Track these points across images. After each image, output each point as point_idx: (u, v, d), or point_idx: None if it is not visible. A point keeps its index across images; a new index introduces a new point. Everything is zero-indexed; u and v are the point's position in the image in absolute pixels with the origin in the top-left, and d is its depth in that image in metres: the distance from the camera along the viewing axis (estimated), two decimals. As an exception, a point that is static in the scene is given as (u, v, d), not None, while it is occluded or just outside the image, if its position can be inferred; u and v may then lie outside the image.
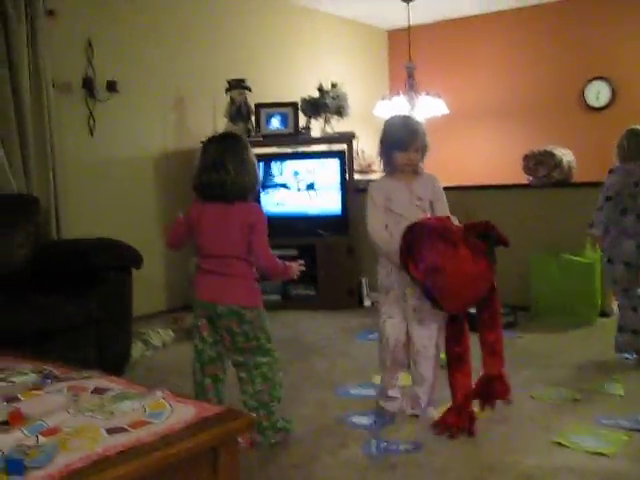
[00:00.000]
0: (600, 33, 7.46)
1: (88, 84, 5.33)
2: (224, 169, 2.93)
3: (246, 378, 3.03)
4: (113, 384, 2.31)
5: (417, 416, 3.30)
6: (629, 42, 7.33)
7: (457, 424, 3.09)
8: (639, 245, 4.04)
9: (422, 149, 3.31)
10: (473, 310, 3.20)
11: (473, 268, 3.00)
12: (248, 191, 3.00)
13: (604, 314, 5.26)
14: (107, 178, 5.57)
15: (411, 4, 7.23)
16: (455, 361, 3.17)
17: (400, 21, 7.61)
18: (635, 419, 3.16)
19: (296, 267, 3.15)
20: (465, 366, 3.17)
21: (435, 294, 3.04)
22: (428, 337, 3.29)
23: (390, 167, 3.36)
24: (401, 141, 3.25)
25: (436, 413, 3.25)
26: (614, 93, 7.43)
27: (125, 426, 1.89)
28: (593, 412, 3.31)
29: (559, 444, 2.94)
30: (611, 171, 4.33)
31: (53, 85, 4.96)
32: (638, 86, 7.30)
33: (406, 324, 3.31)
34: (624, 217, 4.10)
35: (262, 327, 3.06)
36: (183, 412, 2.01)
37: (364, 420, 3.29)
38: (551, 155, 5.52)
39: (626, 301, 4.15)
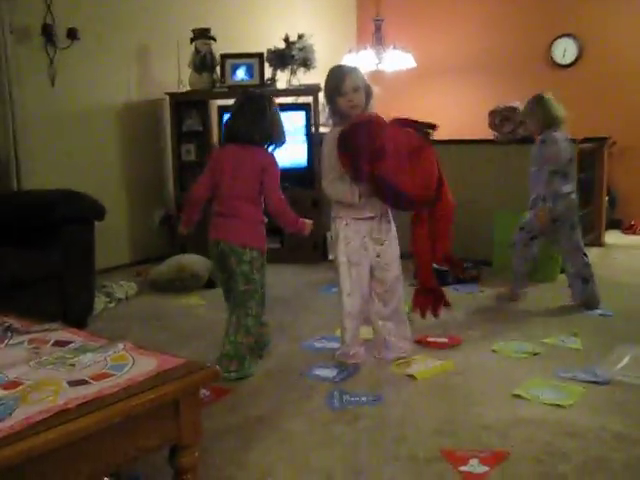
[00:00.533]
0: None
1: (47, 31, 5.16)
2: (243, 116, 3.32)
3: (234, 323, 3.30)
4: (74, 337, 2.30)
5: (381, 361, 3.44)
6: (595, 1, 7.32)
7: (424, 304, 3.33)
8: None
9: (363, 90, 3.37)
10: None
11: (410, 140, 3.25)
12: (263, 139, 3.34)
13: (565, 271, 5.33)
14: (69, 129, 5.46)
15: (380, -45, 7.14)
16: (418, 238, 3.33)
17: (368, -28, 7.51)
18: (592, 372, 3.23)
19: (309, 224, 3.43)
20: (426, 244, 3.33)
21: (389, 180, 3.14)
22: (395, 277, 3.45)
23: (336, 117, 3.40)
24: (337, 85, 3.32)
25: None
26: (580, 50, 7.45)
27: (87, 378, 1.88)
28: (552, 365, 3.37)
29: (519, 396, 2.99)
30: (544, 141, 4.33)
31: (11, 31, 4.80)
32: (604, 44, 7.32)
33: (368, 272, 3.39)
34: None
35: (259, 270, 3.31)
36: (145, 364, 2.00)
37: (327, 372, 3.31)
38: (516, 111, 5.52)
39: None
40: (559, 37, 7.52)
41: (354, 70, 3.42)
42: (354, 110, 3.32)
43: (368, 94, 3.38)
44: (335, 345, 3.66)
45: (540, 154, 4.36)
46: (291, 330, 4.02)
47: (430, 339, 3.79)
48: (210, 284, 5.14)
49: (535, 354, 3.55)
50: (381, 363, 3.44)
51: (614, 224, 7.15)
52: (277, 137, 3.41)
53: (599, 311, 4.31)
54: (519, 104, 5.62)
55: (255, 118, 3.31)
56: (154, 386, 1.85)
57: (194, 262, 5.19)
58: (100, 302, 4.51)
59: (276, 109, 3.42)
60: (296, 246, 5.87)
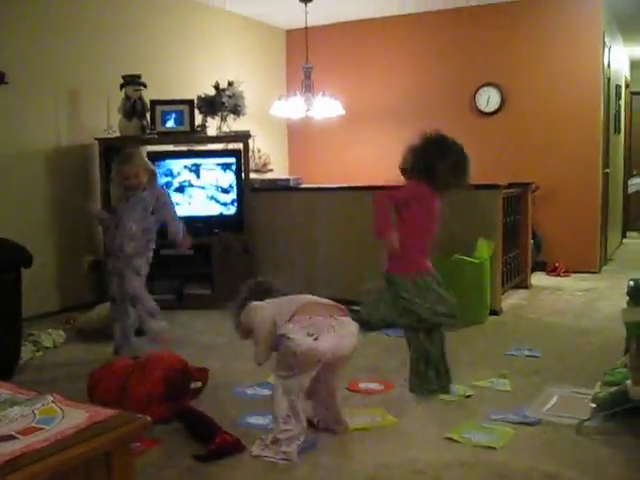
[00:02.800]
0: (491, 41, 7.73)
1: (-25, 75, 5.10)
2: None
3: None
4: (0, 389, 2.22)
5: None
6: (517, 52, 7.63)
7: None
8: None
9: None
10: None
11: None
12: None
13: (493, 312, 5.44)
14: (-6, 174, 5.36)
15: (309, 5, 7.28)
16: None
17: (299, 21, 7.65)
18: (522, 413, 3.29)
19: None
20: None
21: None
22: None
23: None
24: None
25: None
26: (503, 99, 7.70)
27: (14, 433, 1.81)
28: (483, 407, 3.42)
29: (451, 440, 3.02)
30: None
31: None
32: (525, 94, 7.61)
33: None
34: None
35: None
36: (75, 417, 1.95)
37: (260, 420, 3.28)
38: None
39: None
40: (483, 86, 7.77)
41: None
42: None
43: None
44: (267, 392, 3.63)
45: None
46: (222, 377, 3.97)
47: (362, 385, 3.80)
48: (139, 332, 5.06)
49: (467, 396, 3.59)
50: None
51: (539, 266, 7.34)
52: None
53: (527, 352, 4.40)
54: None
55: None
56: (85, 439, 1.80)
57: (123, 309, 5.11)
58: (27, 351, 4.38)
59: None
60: (226, 291, 5.82)
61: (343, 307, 3.06)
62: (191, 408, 3.29)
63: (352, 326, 2.98)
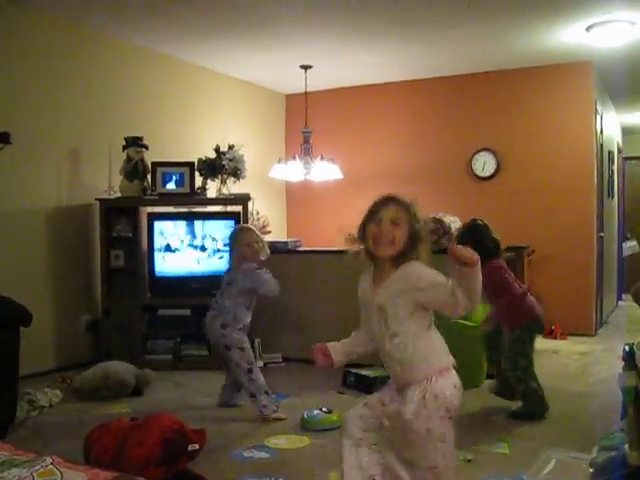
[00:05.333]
0: (487, 108, 7.90)
1: (-22, 135, 5.18)
2: None
3: None
4: (-1, 450, 2.23)
5: None
6: (513, 119, 7.79)
7: None
8: None
9: None
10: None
11: None
12: None
13: (491, 376, 5.43)
14: (-4, 232, 5.41)
15: (309, 71, 7.45)
16: None
17: (298, 86, 7.81)
18: (520, 478, 3.28)
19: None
20: None
21: None
22: None
23: None
24: None
25: None
26: (499, 164, 7.82)
27: (13, 495, 1.83)
28: (482, 472, 3.40)
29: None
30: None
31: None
32: (520, 159, 7.74)
33: None
34: None
35: None
36: (74, 479, 1.95)
37: (257, 483, 3.27)
38: (440, 222, 5.72)
39: None
40: (479, 151, 7.89)
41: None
42: None
43: None
44: (264, 455, 3.62)
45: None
46: (219, 439, 3.96)
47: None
48: (137, 391, 5.05)
49: (467, 461, 3.58)
50: (312, 474, 3.41)
51: (536, 330, 7.34)
52: None
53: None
54: (443, 215, 5.84)
55: None
56: (85, 501, 1.81)
57: (120, 369, 5.11)
58: (22, 410, 4.35)
59: None
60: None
61: None
62: (188, 471, 3.27)
63: None
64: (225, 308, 4.57)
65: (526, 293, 4.65)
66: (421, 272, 2.45)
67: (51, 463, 2.07)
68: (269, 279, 4.51)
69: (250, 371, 4.45)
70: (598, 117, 7.74)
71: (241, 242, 4.61)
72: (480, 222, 4.78)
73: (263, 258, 4.60)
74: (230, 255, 4.84)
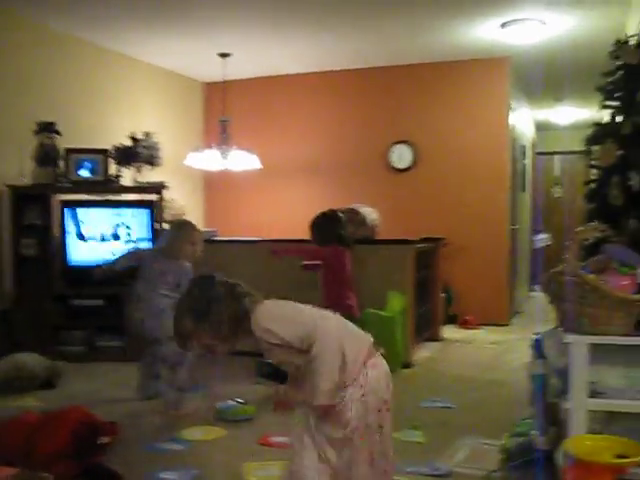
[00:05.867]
0: (404, 101, 7.99)
1: None
2: None
3: None
4: None
5: None
6: (429, 110, 7.90)
7: None
8: None
9: None
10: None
11: None
12: None
13: (406, 365, 5.51)
14: None
15: (227, 59, 7.37)
16: None
17: (217, 75, 7.72)
18: (433, 465, 3.33)
19: None
20: None
21: None
22: None
23: None
24: None
25: None
26: (415, 156, 7.92)
27: None
28: (397, 460, 3.42)
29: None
30: None
31: None
32: (436, 152, 7.86)
33: None
34: None
35: None
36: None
37: (173, 476, 3.22)
38: (356, 213, 5.77)
39: None
40: (396, 143, 7.97)
41: None
42: None
43: None
44: (180, 447, 3.58)
45: None
46: (134, 432, 3.89)
47: (274, 439, 3.77)
48: (48, 384, 4.92)
49: (380, 449, 3.61)
50: (226, 465, 3.39)
51: (451, 319, 7.50)
52: None
53: (441, 403, 4.47)
54: (359, 206, 5.88)
55: None
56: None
57: (29, 361, 4.96)
58: None
59: None
60: (138, 343, 5.72)
61: None
62: (100, 464, 3.20)
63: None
64: (157, 298, 4.39)
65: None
66: None
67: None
68: None
69: (175, 365, 4.35)
70: (511, 112, 7.91)
71: (187, 239, 4.44)
72: (338, 214, 5.04)
73: (190, 262, 4.49)
74: (166, 242, 4.56)
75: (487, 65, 7.66)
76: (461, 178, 7.75)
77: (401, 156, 7.97)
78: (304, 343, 2.19)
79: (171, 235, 4.54)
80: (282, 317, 2.28)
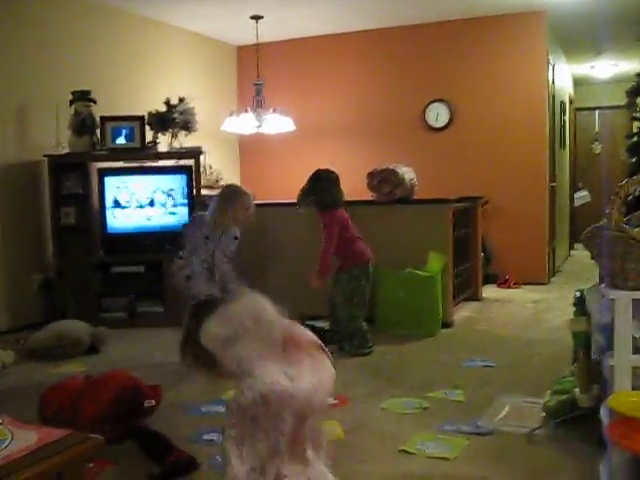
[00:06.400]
0: (440, 59, 7.87)
1: None
2: None
3: None
4: (-52, 412, 2.18)
5: None
6: (466, 69, 7.77)
7: None
8: None
9: None
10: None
11: None
12: None
13: (445, 325, 5.50)
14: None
15: (260, 21, 7.31)
16: None
17: (249, 37, 7.67)
18: (474, 424, 3.33)
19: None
20: None
21: None
22: None
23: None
24: None
25: None
26: (452, 115, 7.82)
27: (-38, 456, 1.79)
28: (437, 419, 3.45)
29: (405, 452, 3.04)
30: None
31: None
32: (473, 110, 7.74)
33: None
34: None
35: None
36: (24, 438, 1.92)
37: (215, 437, 3.26)
38: (394, 173, 5.71)
39: None
40: (432, 102, 7.87)
41: None
42: None
43: None
44: (221, 409, 3.62)
45: None
46: (175, 395, 3.94)
47: (318, 398, 3.80)
48: (92, 350, 5.01)
49: (424, 408, 3.62)
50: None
51: (490, 279, 7.45)
52: None
53: (482, 362, 4.46)
54: (396, 166, 5.83)
55: None
56: (36, 461, 1.78)
57: (74, 328, 5.06)
58: (-26, 372, 4.30)
59: None
60: (178, 308, 5.78)
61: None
62: (145, 427, 3.25)
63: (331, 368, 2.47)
64: (198, 262, 4.45)
65: (360, 238, 5.00)
66: None
67: (1, 423, 2.03)
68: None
69: None
70: (550, 67, 7.75)
71: (241, 205, 4.47)
72: (325, 173, 5.04)
73: (240, 227, 4.54)
74: (218, 209, 4.48)
75: (524, 19, 7.48)
76: (499, 136, 7.63)
77: (438, 115, 7.87)
78: None
79: (223, 202, 4.51)
80: None
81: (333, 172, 5.06)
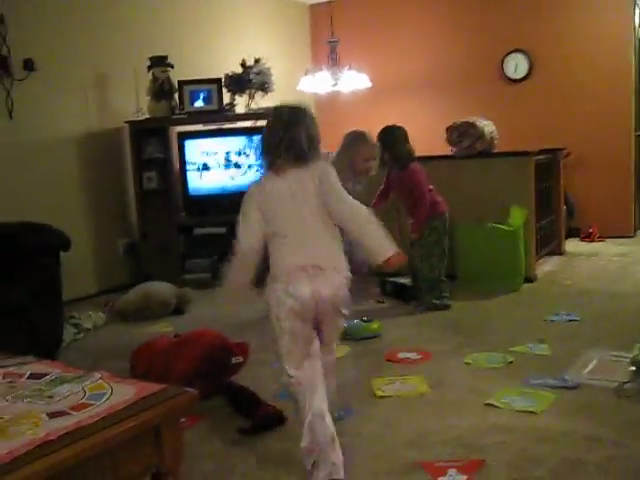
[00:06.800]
0: (518, 8, 7.63)
1: (3, 63, 5.15)
2: None
3: None
4: (49, 368, 2.28)
5: None
6: (545, 16, 7.52)
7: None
8: None
9: None
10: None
11: None
12: None
13: (528, 280, 5.42)
14: (29, 161, 5.43)
15: (332, -22, 7.25)
16: None
17: (321, -5, 7.61)
18: (562, 378, 3.30)
19: None
20: None
21: None
22: None
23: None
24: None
25: None
26: (531, 65, 7.62)
27: (66, 409, 1.87)
28: (523, 373, 3.43)
29: (491, 405, 3.04)
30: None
31: (-34, 65, 4.79)
32: (554, 59, 7.51)
33: None
34: None
35: None
36: (123, 392, 2.00)
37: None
38: (473, 126, 5.62)
39: None
40: (510, 52, 7.68)
41: None
42: None
43: None
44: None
45: None
46: (261, 352, 4.01)
47: (400, 355, 3.83)
48: (178, 310, 5.14)
49: (509, 363, 3.60)
50: (354, 382, 3.47)
51: (573, 232, 7.29)
52: None
53: (567, 317, 4.40)
54: (476, 119, 5.73)
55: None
56: (135, 413, 1.85)
57: (161, 289, 5.19)
58: (68, 333, 4.47)
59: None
60: (262, 268, 5.85)
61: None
62: (233, 383, 3.34)
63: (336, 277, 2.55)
64: None
65: (433, 190, 4.85)
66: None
67: (100, 378, 2.12)
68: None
69: None
70: (637, 10, 7.43)
71: (360, 153, 4.35)
72: (394, 128, 4.88)
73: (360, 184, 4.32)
74: (335, 156, 4.37)
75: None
76: (581, 84, 7.40)
77: (516, 66, 7.67)
78: None
79: (343, 147, 4.44)
80: None
81: (401, 127, 4.92)
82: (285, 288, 2.53)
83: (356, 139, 4.42)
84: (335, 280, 2.53)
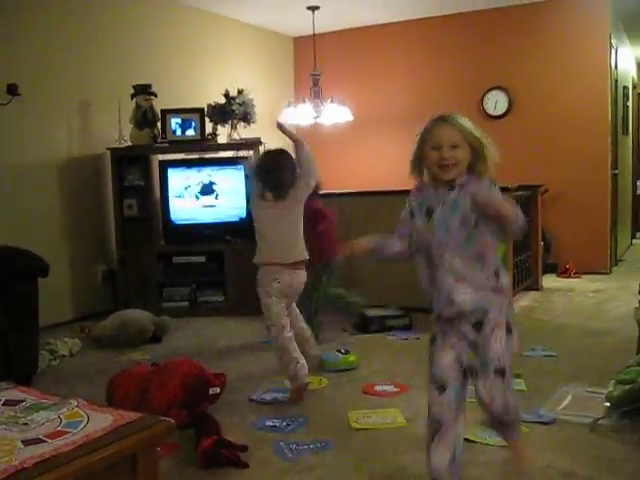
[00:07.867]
0: (498, 46, 7.78)
1: (-13, 87, 5.16)
2: None
3: None
4: (25, 395, 2.26)
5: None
6: (525, 56, 7.66)
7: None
8: None
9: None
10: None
11: None
12: None
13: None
14: (8, 184, 5.42)
15: (316, 12, 7.34)
16: None
17: (306, 28, 7.70)
18: (537, 412, 3.31)
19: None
20: None
21: None
22: None
23: None
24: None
25: None
26: (511, 102, 7.73)
27: (42, 437, 1.86)
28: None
29: (466, 440, 3.03)
30: None
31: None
32: (533, 97, 7.64)
33: None
34: None
35: None
36: (100, 420, 1.99)
37: (278, 423, 3.32)
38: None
39: None
40: (490, 90, 7.80)
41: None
42: None
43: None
44: (284, 396, 3.69)
45: None
46: (239, 382, 4.01)
47: (377, 388, 3.84)
48: (155, 338, 5.12)
49: (482, 397, 3.61)
50: (331, 414, 3.47)
51: (550, 268, 7.36)
52: None
53: (543, 352, 4.43)
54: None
55: None
56: (111, 442, 1.84)
57: (138, 317, 5.17)
58: (44, 359, 4.44)
59: None
60: (239, 298, 5.86)
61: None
62: (208, 414, 3.32)
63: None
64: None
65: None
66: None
67: (77, 406, 2.10)
68: None
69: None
70: (612, 51, 7.59)
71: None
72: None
73: None
74: None
75: (585, 1, 7.34)
76: (560, 122, 7.52)
77: (496, 102, 7.79)
78: None
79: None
80: None
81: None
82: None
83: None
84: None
